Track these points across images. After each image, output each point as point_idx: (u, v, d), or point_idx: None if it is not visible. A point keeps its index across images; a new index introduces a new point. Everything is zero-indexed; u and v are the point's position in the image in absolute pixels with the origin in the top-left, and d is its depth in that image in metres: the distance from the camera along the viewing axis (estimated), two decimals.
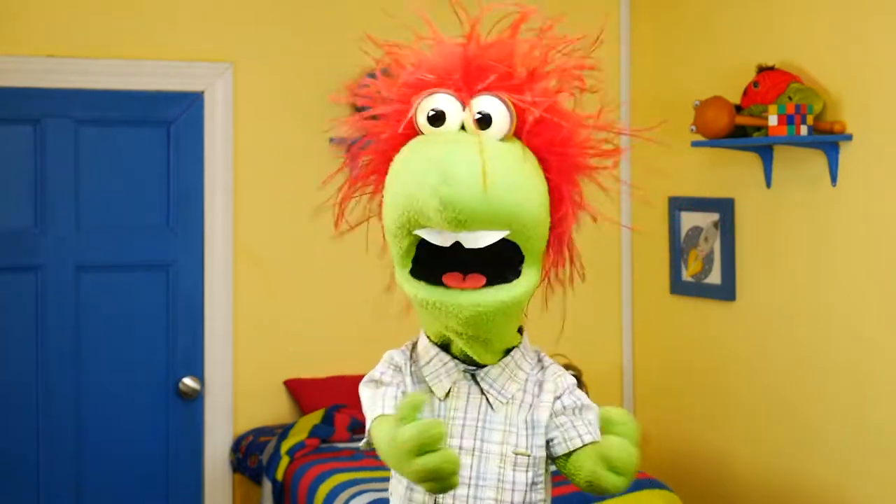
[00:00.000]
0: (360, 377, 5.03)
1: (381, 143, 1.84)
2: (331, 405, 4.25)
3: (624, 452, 1.67)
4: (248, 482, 4.32)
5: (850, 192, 3.83)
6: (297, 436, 4.10)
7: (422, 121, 1.77)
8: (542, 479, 1.87)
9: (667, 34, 4.69)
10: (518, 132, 1.78)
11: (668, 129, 4.63)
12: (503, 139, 1.76)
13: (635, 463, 1.68)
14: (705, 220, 4.46)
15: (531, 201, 1.75)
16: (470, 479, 1.81)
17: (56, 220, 4.18)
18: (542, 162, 1.81)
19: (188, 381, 4.33)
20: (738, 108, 4.05)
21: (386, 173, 1.82)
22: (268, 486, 4.06)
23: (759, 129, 3.99)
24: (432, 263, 1.76)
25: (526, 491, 1.84)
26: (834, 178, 3.87)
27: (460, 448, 1.81)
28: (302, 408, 4.37)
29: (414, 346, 1.92)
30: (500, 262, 1.75)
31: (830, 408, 3.92)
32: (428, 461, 1.56)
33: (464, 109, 1.76)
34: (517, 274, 1.78)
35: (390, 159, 1.81)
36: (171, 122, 4.32)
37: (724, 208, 4.35)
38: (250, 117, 4.40)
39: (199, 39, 4.34)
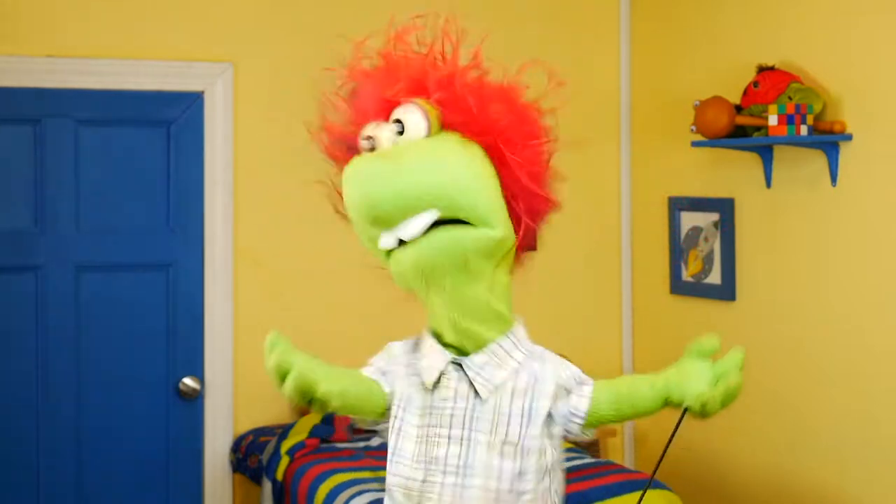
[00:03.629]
0: None
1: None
2: None
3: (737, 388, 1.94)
4: (248, 482, 4.32)
5: (850, 192, 3.83)
6: (297, 436, 4.10)
7: (363, 151, 1.92)
8: (532, 468, 1.88)
9: (667, 34, 4.69)
10: (449, 128, 1.90)
11: (668, 129, 4.65)
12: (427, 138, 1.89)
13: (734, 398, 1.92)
14: (705, 220, 4.46)
15: (449, 173, 1.85)
16: (458, 467, 1.85)
17: (56, 220, 4.18)
18: (489, 150, 1.92)
19: (188, 381, 4.33)
20: (738, 108, 4.05)
21: None
22: (268, 486, 4.06)
23: (759, 129, 3.99)
24: None
25: (513, 479, 1.87)
26: (834, 178, 3.87)
27: (449, 438, 1.87)
28: (302, 408, 4.37)
29: (417, 342, 1.99)
30: None
31: (830, 407, 3.93)
32: (286, 386, 1.78)
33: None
34: None
35: None
36: (171, 122, 4.32)
37: (724, 208, 4.35)
38: (250, 117, 4.40)
39: (199, 39, 4.34)
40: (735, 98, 4.09)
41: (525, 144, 1.95)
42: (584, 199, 4.87)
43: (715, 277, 4.41)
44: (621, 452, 4.87)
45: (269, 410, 4.43)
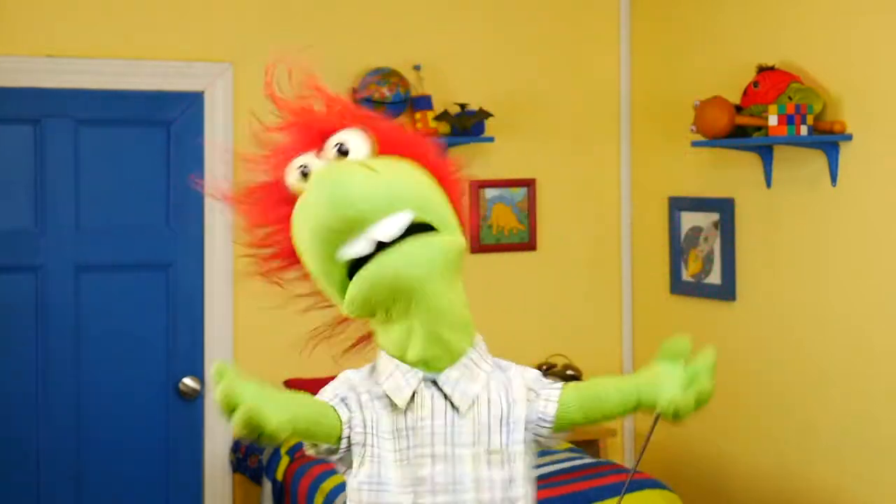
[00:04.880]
0: None
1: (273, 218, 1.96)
2: None
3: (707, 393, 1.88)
4: (248, 482, 4.32)
5: (850, 192, 3.83)
6: None
7: (295, 183, 1.90)
8: (520, 474, 1.89)
9: (667, 34, 4.69)
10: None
11: (668, 129, 4.65)
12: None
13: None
14: (705, 220, 4.46)
15: (417, 178, 1.87)
16: (447, 485, 1.84)
17: (56, 220, 4.18)
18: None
19: (188, 381, 4.33)
20: (738, 108, 4.05)
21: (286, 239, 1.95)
22: (268, 486, 4.06)
23: (759, 129, 3.99)
24: None
25: (504, 487, 1.87)
26: (834, 178, 3.87)
27: (433, 456, 1.84)
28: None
29: (373, 367, 1.95)
30: None
31: (830, 408, 3.93)
32: (234, 421, 1.67)
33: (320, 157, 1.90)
34: None
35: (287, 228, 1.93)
36: (171, 122, 4.32)
37: (724, 208, 4.35)
38: (250, 117, 4.39)
39: (199, 39, 4.34)
40: (735, 98, 4.09)
41: (444, 174, 1.98)
42: (584, 199, 4.87)
43: (715, 277, 4.41)
44: (621, 452, 4.87)
45: None
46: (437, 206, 1.87)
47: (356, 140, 1.89)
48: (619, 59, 4.88)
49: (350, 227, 1.78)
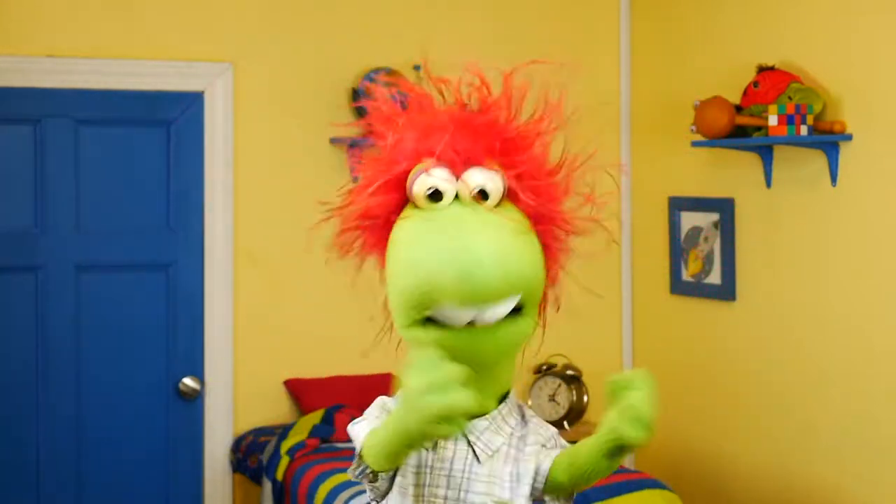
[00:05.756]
0: (360, 377, 5.03)
1: (375, 207, 1.88)
2: (331, 405, 4.25)
3: (645, 405, 1.73)
4: (248, 482, 4.32)
5: (850, 192, 3.83)
6: (297, 436, 4.10)
7: (419, 195, 1.81)
8: None
9: (667, 34, 4.69)
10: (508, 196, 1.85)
11: (668, 129, 4.64)
12: (498, 205, 1.83)
13: (654, 417, 1.72)
14: (705, 220, 4.46)
15: (538, 266, 1.84)
16: None
17: (56, 220, 4.18)
18: (531, 218, 1.88)
19: (188, 381, 4.33)
20: (738, 108, 4.05)
21: (378, 234, 1.88)
22: (268, 486, 4.06)
23: (759, 129, 3.99)
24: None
25: None
26: (834, 178, 3.87)
27: (445, 499, 1.85)
28: (302, 408, 4.37)
29: None
30: None
31: (830, 408, 3.92)
32: (439, 397, 1.61)
33: (457, 181, 1.82)
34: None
35: (385, 224, 1.87)
36: (171, 122, 4.32)
37: (724, 208, 4.35)
38: (250, 117, 4.40)
39: (199, 39, 4.34)
40: (735, 98, 4.09)
41: (565, 236, 1.95)
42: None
43: (715, 277, 4.41)
44: None
45: (269, 410, 4.43)
46: (538, 288, 1.85)
47: (496, 188, 1.81)
48: (619, 59, 4.88)
49: (461, 300, 1.73)
